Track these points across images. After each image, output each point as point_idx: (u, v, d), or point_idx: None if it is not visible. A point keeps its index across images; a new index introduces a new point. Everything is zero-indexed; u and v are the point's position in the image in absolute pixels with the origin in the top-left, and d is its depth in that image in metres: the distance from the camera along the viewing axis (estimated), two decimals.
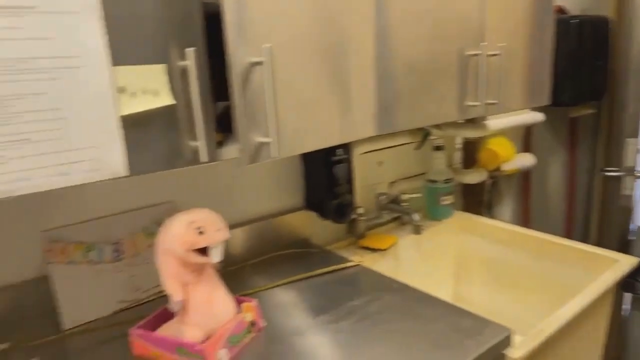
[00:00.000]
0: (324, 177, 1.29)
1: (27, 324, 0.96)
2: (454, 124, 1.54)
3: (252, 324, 0.91)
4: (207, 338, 0.83)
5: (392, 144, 1.53)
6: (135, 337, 0.86)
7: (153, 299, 1.04)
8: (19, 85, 0.63)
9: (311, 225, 1.38)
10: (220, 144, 0.83)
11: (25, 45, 0.63)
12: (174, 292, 0.82)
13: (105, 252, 1.04)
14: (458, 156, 1.76)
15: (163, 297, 1.02)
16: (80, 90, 0.67)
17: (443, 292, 1.53)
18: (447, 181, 1.54)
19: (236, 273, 1.17)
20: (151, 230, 1.10)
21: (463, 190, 1.80)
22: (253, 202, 1.29)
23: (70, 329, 0.97)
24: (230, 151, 0.82)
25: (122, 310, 1.01)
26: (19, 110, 0.64)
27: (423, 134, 1.56)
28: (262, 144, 0.81)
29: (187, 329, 0.82)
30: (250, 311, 0.91)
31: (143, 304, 1.02)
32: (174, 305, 0.82)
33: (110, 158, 0.71)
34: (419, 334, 0.90)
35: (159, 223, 1.11)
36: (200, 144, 0.77)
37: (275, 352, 0.86)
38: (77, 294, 0.99)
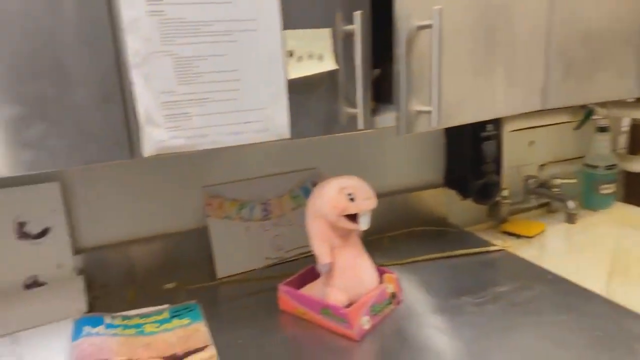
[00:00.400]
0: (470, 154, 1.22)
1: (188, 268, 1.06)
2: (622, 103, 1.35)
3: (393, 295, 0.90)
4: (350, 303, 0.84)
5: (547, 123, 1.39)
6: (282, 293, 0.91)
7: (295, 259, 1.09)
8: (202, 47, 0.68)
9: (450, 204, 1.33)
10: (373, 112, 0.81)
11: (209, 9, 0.67)
12: (323, 255, 0.84)
13: (255, 210, 1.10)
14: (623, 140, 1.55)
15: (305, 258, 1.06)
16: (255, 53, 0.70)
17: (594, 290, 1.38)
18: (609, 167, 1.37)
19: (375, 243, 1.17)
20: (296, 193, 1.14)
21: (626, 178, 1.59)
22: (392, 174, 1.27)
23: (222, 277, 1.06)
24: (385, 119, 0.81)
25: (268, 266, 1.07)
26: (202, 71, 0.68)
27: (585, 112, 1.39)
28: (420, 113, 0.78)
29: (332, 292, 0.84)
30: (391, 282, 0.90)
31: (286, 262, 1.08)
32: (321, 267, 0.84)
33: (277, 120, 0.74)
34: (576, 331, 0.82)
35: (303, 187, 1.15)
36: (359, 111, 0.77)
37: (415, 326, 0.85)
38: (229, 247, 1.07)
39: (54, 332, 0.86)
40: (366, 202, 0.81)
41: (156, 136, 0.67)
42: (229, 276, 1.05)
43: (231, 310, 0.94)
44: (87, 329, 0.82)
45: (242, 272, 1.06)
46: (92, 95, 0.63)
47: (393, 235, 1.21)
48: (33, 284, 0.94)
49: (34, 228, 0.92)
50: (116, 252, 1.01)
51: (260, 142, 0.74)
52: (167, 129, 0.68)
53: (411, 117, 0.78)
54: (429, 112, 0.77)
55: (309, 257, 1.05)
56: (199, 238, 1.07)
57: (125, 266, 1.02)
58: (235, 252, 1.08)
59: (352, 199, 0.80)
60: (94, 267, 0.99)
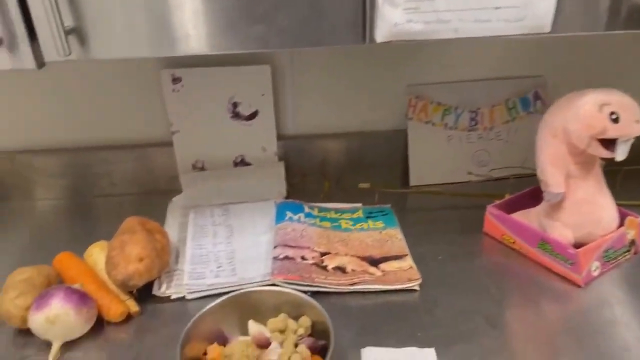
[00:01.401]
0: None
1: (382, 171, 1.01)
2: None
3: (632, 243, 0.74)
4: (576, 243, 0.71)
5: None
6: (490, 216, 0.81)
7: (501, 179, 0.96)
8: None
9: None
10: None
11: None
12: (555, 182, 0.70)
13: (461, 118, 0.98)
14: None
15: (515, 180, 0.92)
16: None
17: None
18: None
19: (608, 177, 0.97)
20: (512, 104, 0.98)
21: None
22: None
23: (415, 186, 0.99)
24: None
25: (467, 182, 0.96)
26: None
27: None
28: None
29: (557, 227, 0.72)
30: (634, 228, 0.73)
31: (489, 181, 0.96)
32: (551, 197, 0.71)
33: (538, 8, 0.58)
34: None
35: (523, 98, 0.98)
36: None
37: None
38: (428, 155, 0.99)
39: (258, 211, 0.90)
40: (634, 125, 0.63)
41: (392, 18, 0.57)
42: (423, 185, 0.98)
43: (426, 223, 0.87)
44: (289, 214, 0.84)
45: (438, 184, 0.98)
46: None
47: (633, 170, 0.97)
48: (241, 162, 0.98)
49: (245, 110, 0.94)
50: (314, 144, 1.00)
51: (503, 36, 0.60)
52: (406, 10, 0.57)
53: None
54: None
55: (520, 180, 0.92)
56: (397, 141, 1.00)
57: (322, 159, 1.01)
58: (433, 161, 0.99)
59: (614, 120, 0.63)
60: (293, 155, 1.00)
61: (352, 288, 0.70)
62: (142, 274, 0.67)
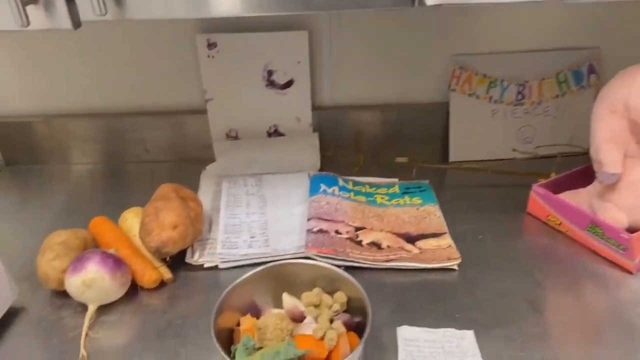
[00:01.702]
0: None
1: (419, 145, 0.97)
2: None
3: None
4: (632, 228, 0.66)
5: None
6: (535, 195, 0.77)
7: (547, 157, 0.91)
8: None
9: None
10: None
11: None
12: (611, 162, 0.65)
13: (507, 91, 0.93)
14: None
15: (563, 159, 0.87)
16: None
17: None
18: None
19: None
20: (564, 78, 0.92)
21: None
22: None
23: (455, 162, 0.95)
24: None
25: (510, 159, 0.92)
26: None
27: None
28: None
29: (610, 209, 0.67)
30: None
31: (535, 159, 0.91)
32: (605, 177, 0.66)
33: None
34: None
35: (576, 72, 0.92)
36: None
37: None
38: (469, 129, 0.94)
39: (292, 182, 0.88)
40: None
41: None
42: (463, 161, 0.94)
43: (466, 200, 0.84)
44: (323, 186, 0.82)
45: (479, 160, 0.94)
46: None
47: None
48: (274, 132, 0.96)
49: (280, 78, 0.91)
50: (350, 115, 0.97)
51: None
52: None
53: None
54: None
55: (567, 158, 0.86)
56: (437, 114, 0.96)
57: (357, 131, 0.97)
58: (475, 136, 0.94)
59: None
60: (328, 126, 0.97)
61: (388, 265, 0.68)
62: (176, 241, 0.67)
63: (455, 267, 0.68)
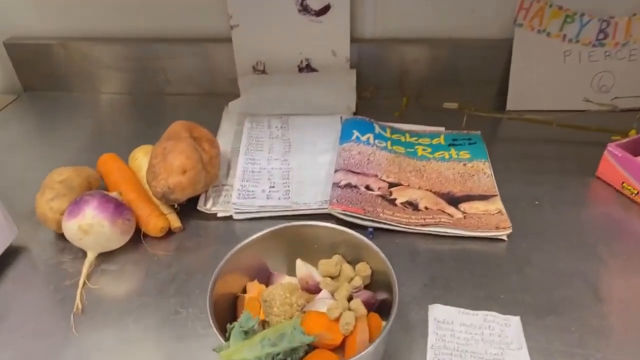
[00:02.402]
0: None
1: (473, 89, 0.85)
2: None
3: None
4: None
5: None
6: (609, 155, 0.64)
7: (628, 111, 0.76)
8: None
9: None
10: None
11: None
12: None
13: (586, 28, 0.77)
14: None
15: (635, 114, 0.73)
16: None
17: None
18: None
19: None
20: None
21: None
22: None
23: (514, 111, 0.82)
24: None
25: (582, 111, 0.78)
26: None
27: None
28: None
29: None
30: None
31: (612, 112, 0.76)
32: None
33: None
34: None
35: None
36: None
37: None
38: (534, 73, 0.80)
39: (322, 126, 0.78)
40: None
41: None
42: (523, 111, 0.81)
43: (523, 158, 0.72)
44: (356, 133, 0.72)
45: (543, 110, 0.80)
46: None
47: None
48: (306, 67, 0.85)
49: (314, 2, 0.79)
50: (394, 50, 0.84)
51: None
52: None
53: None
54: None
55: None
56: (497, 52, 0.82)
57: (401, 69, 0.85)
58: (541, 81, 0.80)
59: None
60: (368, 62, 0.85)
61: (424, 229, 0.58)
62: (184, 187, 0.59)
63: (505, 238, 0.58)
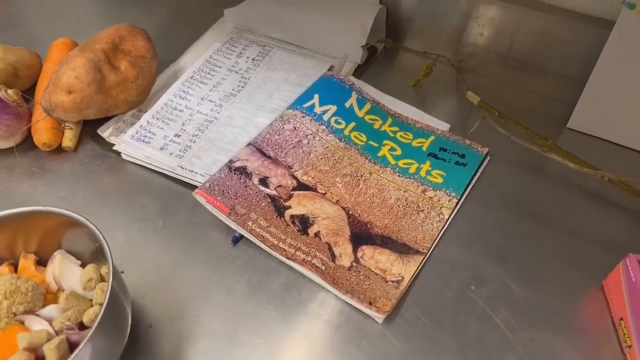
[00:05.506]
0: None
1: (547, 82, 0.58)
2: None
3: None
4: None
5: None
6: (624, 267, 0.40)
7: None
8: None
9: None
10: None
11: None
12: None
13: None
14: None
15: None
16: None
17: None
18: None
19: None
20: None
21: None
22: None
23: (573, 130, 0.55)
24: None
25: None
26: None
27: None
28: None
29: None
30: None
31: None
32: None
33: None
34: None
35: None
36: None
37: None
38: (625, 80, 0.51)
39: (297, 70, 0.61)
40: None
41: None
42: (585, 134, 0.53)
43: (522, 212, 0.49)
44: (315, 99, 0.54)
45: (612, 142, 0.52)
46: None
47: None
48: None
49: None
50: None
51: None
52: None
53: None
54: None
55: None
56: (590, 36, 0.53)
57: (452, 26, 0.61)
58: (632, 97, 0.51)
59: None
60: (409, 2, 0.62)
61: (287, 262, 0.44)
62: (67, 109, 0.51)
63: (379, 321, 0.41)
